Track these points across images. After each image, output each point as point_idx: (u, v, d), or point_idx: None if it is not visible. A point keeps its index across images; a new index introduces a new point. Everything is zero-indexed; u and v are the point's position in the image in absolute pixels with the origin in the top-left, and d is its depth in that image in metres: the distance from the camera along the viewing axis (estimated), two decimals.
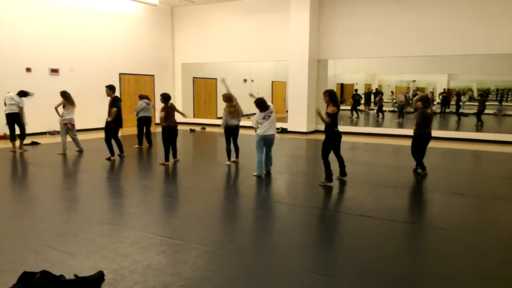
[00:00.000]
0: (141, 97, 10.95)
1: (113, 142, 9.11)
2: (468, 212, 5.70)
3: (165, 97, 8.70)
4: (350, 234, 4.83)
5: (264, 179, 7.37)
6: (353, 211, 5.51)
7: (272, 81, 21.38)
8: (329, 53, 14.52)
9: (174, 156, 8.77)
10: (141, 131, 10.72)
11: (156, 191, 6.67)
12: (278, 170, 7.86)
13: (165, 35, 17.31)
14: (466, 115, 18.78)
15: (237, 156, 8.66)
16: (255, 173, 7.43)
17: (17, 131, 9.86)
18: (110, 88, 9.13)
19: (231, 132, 8.41)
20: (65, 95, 9.57)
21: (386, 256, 4.09)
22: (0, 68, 11.84)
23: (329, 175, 6.81)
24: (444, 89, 21.89)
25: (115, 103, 8.98)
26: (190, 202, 6.16)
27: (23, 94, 9.94)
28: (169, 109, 8.62)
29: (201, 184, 7.21)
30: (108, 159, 8.89)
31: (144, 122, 10.72)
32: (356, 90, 21.00)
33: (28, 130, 10.86)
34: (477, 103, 17.58)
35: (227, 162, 8.51)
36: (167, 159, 8.48)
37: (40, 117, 12.73)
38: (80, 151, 9.82)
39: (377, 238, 4.56)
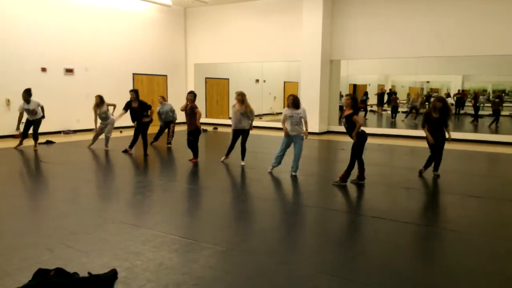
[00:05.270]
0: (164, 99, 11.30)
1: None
2: (483, 215, 5.61)
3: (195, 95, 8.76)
4: (364, 236, 4.79)
5: (278, 179, 7.35)
6: (366, 213, 5.46)
7: (284, 82, 21.36)
8: (342, 54, 14.44)
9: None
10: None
11: (168, 191, 6.70)
12: (289, 170, 7.81)
13: (178, 36, 17.39)
14: (480, 116, 18.53)
15: (242, 158, 8.48)
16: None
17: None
18: (136, 93, 9.74)
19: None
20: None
21: (401, 258, 4.04)
22: (16, 68, 12.03)
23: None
24: (459, 90, 21.63)
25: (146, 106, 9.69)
26: (203, 201, 6.18)
27: (29, 93, 9.87)
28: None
29: (213, 184, 7.22)
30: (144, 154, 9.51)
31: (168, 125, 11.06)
32: (366, 93, 20.87)
33: (43, 129, 11.04)
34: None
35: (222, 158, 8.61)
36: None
37: (55, 117, 12.90)
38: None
39: (391, 241, 4.51)
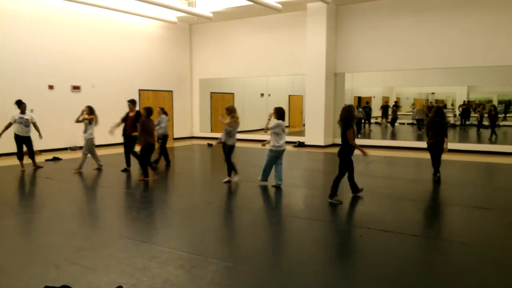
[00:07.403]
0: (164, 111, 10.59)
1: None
2: (491, 226, 5.54)
3: (149, 111, 8.45)
4: (370, 250, 4.75)
5: (282, 193, 7.34)
6: (373, 226, 5.43)
7: (289, 95, 21.46)
8: (346, 67, 14.51)
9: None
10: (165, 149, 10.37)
11: (174, 206, 6.71)
12: (295, 183, 7.83)
13: (183, 52, 17.59)
14: (486, 127, 18.47)
15: (229, 174, 8.32)
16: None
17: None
18: (133, 103, 9.58)
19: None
20: (94, 110, 9.60)
21: (409, 272, 4.00)
22: (23, 86, 12.18)
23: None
24: (464, 101, 21.60)
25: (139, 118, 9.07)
26: (208, 216, 6.17)
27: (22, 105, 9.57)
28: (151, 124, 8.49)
29: (218, 199, 7.22)
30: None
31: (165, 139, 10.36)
32: (367, 103, 20.98)
33: (50, 145, 11.12)
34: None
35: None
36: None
37: (62, 133, 13.01)
38: (99, 168, 9.84)
39: (398, 254, 4.48)
